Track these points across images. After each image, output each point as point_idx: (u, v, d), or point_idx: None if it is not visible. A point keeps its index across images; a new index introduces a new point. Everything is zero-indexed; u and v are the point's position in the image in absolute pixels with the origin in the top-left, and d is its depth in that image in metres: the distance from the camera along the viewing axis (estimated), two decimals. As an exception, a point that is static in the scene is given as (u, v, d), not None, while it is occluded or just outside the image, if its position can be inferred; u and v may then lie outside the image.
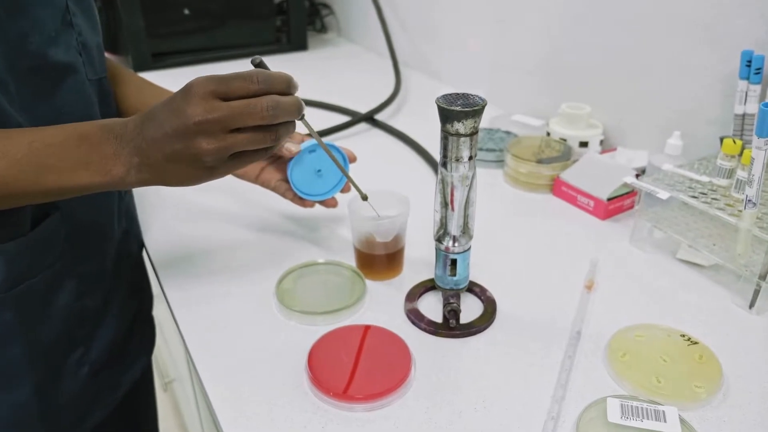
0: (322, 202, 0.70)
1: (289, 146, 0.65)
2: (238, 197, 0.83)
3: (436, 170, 0.90)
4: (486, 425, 0.49)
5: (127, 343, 0.73)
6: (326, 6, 1.75)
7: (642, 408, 0.48)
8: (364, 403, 0.50)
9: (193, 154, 0.46)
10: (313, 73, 1.43)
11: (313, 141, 0.67)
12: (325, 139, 1.00)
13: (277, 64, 1.47)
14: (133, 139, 0.48)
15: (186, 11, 1.39)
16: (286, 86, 0.49)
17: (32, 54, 0.52)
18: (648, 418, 0.47)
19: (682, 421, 0.47)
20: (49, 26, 0.54)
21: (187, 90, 0.46)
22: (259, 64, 0.50)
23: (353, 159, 0.69)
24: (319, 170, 0.68)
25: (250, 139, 0.47)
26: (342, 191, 0.70)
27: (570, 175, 0.82)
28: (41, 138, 0.47)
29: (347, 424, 0.49)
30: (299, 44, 1.56)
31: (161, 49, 1.39)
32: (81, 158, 0.47)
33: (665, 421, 0.47)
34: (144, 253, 0.76)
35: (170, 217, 0.79)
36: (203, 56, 1.44)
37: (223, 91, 0.46)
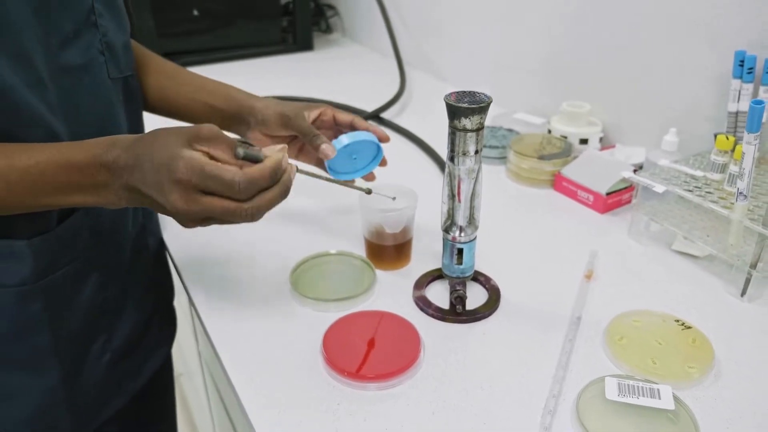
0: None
1: (326, 150, 0.67)
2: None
3: (440, 166, 0.94)
4: (491, 403, 0.52)
5: (146, 333, 0.76)
6: (331, 7, 1.78)
7: (638, 386, 0.51)
8: (377, 383, 0.53)
9: (173, 215, 0.49)
10: (319, 72, 1.46)
11: (348, 136, 0.70)
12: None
13: (284, 64, 1.52)
14: (122, 176, 0.49)
15: (195, 12, 1.42)
16: (270, 182, 0.49)
17: (54, 55, 0.55)
18: (644, 396, 0.51)
19: (676, 398, 0.51)
20: (68, 28, 0.56)
21: (172, 169, 0.46)
22: (245, 157, 0.49)
23: (385, 139, 0.72)
24: (354, 157, 0.72)
25: (230, 221, 0.50)
26: (380, 165, 0.73)
27: (570, 171, 0.85)
28: (36, 164, 0.49)
29: (361, 401, 0.52)
30: (305, 44, 1.60)
31: (171, 49, 1.42)
32: (73, 184, 0.50)
33: (660, 398, 0.50)
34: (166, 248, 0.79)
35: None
36: (212, 56, 1.47)
37: (204, 187, 0.47)
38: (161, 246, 0.78)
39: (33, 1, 0.52)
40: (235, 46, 1.51)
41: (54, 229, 0.58)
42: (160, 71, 0.75)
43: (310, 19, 1.62)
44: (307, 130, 0.69)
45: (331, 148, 0.67)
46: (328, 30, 1.82)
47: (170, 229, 0.79)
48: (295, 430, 0.50)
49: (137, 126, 0.71)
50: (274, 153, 0.50)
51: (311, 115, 0.71)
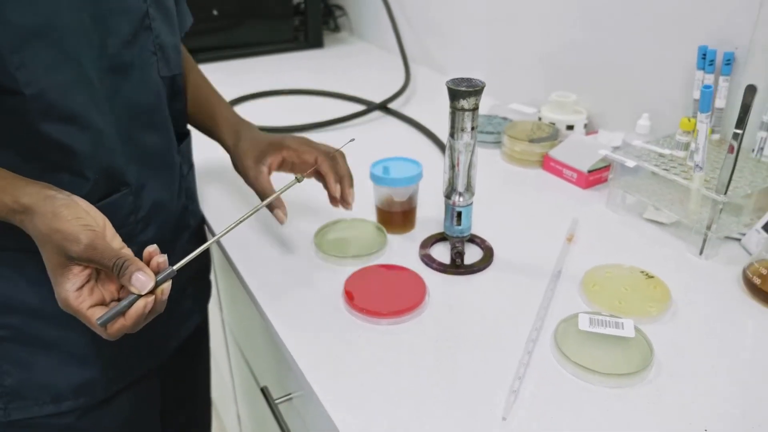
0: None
1: (278, 215, 0.72)
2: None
3: (440, 148, 1.05)
4: (484, 334, 0.63)
5: (180, 303, 0.82)
6: (339, 7, 1.89)
7: (605, 320, 0.62)
8: (389, 319, 0.64)
9: None
10: (329, 68, 1.57)
11: (388, 158, 0.79)
12: (344, 124, 1.14)
13: (296, 60, 1.63)
14: (35, 237, 0.53)
15: (215, 12, 1.53)
16: (131, 329, 0.53)
17: (110, 55, 0.62)
18: (610, 327, 0.61)
19: (637, 329, 0.61)
20: (125, 31, 0.63)
21: (59, 294, 0.52)
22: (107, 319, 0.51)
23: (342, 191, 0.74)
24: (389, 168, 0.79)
25: None
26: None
27: (557, 153, 0.96)
28: None
29: (376, 333, 0.63)
30: (316, 42, 1.71)
31: (190, 46, 1.53)
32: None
33: (623, 329, 0.61)
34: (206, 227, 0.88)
35: (226, 191, 0.94)
36: (229, 53, 1.59)
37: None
38: (202, 223, 0.87)
39: (90, 8, 0.58)
40: (250, 44, 1.63)
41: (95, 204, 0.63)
42: (191, 85, 0.82)
43: (320, 19, 1.73)
44: (261, 193, 0.74)
45: (282, 215, 0.72)
46: (337, 29, 1.93)
47: (210, 204, 0.89)
48: (325, 354, 0.61)
49: (184, 122, 0.79)
50: (137, 309, 0.51)
51: (274, 162, 0.75)
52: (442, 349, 0.61)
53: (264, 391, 0.83)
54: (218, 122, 0.81)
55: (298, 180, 0.59)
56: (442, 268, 0.73)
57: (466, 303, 0.68)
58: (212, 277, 1.01)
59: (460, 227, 0.73)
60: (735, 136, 0.67)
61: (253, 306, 0.71)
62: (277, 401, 0.81)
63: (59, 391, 0.70)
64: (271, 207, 0.72)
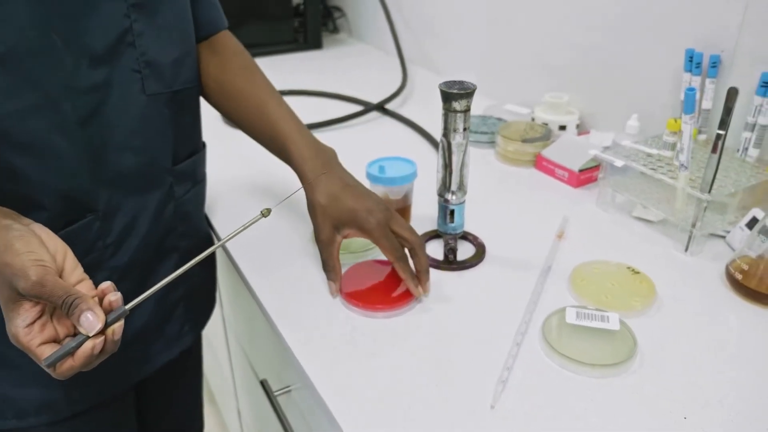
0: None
1: (331, 287, 0.70)
2: (278, 179, 0.99)
3: (436, 148, 1.07)
4: (476, 327, 0.65)
5: (165, 325, 0.79)
6: (338, 9, 1.92)
7: (592, 313, 0.65)
8: (384, 312, 0.67)
9: None
10: (329, 69, 1.59)
11: (384, 158, 0.81)
12: (343, 125, 1.17)
13: (296, 61, 1.66)
14: None
15: (215, 14, 1.56)
16: (80, 368, 0.49)
17: (82, 76, 0.59)
18: (596, 320, 0.64)
19: (622, 322, 0.64)
20: (98, 49, 0.59)
21: (9, 329, 0.49)
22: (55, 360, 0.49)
23: None
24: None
25: None
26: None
27: (549, 152, 0.98)
28: None
29: (371, 326, 0.66)
30: (315, 43, 1.73)
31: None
32: None
33: (608, 322, 0.64)
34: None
35: (235, 203, 0.96)
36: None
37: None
38: (201, 244, 0.82)
39: (60, 28, 0.56)
40: (250, 45, 1.63)
41: (57, 233, 0.59)
42: (225, 91, 0.77)
43: (320, 20, 1.75)
44: (326, 259, 0.70)
45: (335, 288, 0.69)
46: (336, 30, 1.95)
47: (219, 216, 0.92)
48: (323, 346, 0.63)
49: (191, 138, 0.76)
50: (84, 350, 0.48)
51: (351, 236, 0.70)
52: (435, 341, 0.64)
53: (263, 384, 0.86)
54: (290, 150, 0.72)
55: (264, 215, 0.53)
56: (435, 263, 0.75)
57: (459, 297, 0.70)
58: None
59: (453, 224, 0.75)
60: (718, 136, 0.69)
61: (253, 300, 0.74)
62: (276, 393, 0.83)
63: (21, 408, 0.69)
64: (328, 275, 0.70)
